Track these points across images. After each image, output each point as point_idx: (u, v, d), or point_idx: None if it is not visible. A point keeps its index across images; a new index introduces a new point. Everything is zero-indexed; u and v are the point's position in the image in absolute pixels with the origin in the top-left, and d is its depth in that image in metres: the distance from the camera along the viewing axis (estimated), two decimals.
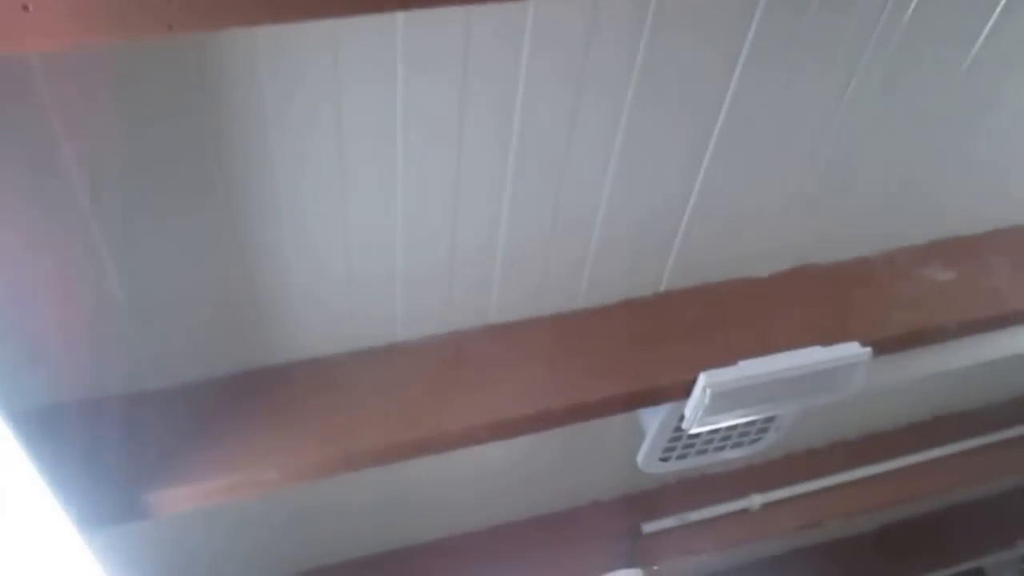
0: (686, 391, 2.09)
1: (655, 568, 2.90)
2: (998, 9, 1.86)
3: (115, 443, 1.86)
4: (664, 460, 2.40)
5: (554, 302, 2.11)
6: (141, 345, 1.83)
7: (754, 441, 2.43)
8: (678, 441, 2.32)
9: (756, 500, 3.02)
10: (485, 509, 2.90)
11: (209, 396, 1.94)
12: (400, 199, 1.72)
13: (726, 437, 2.38)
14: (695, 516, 2.97)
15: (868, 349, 2.11)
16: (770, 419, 2.36)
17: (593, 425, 2.52)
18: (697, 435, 2.32)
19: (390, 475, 2.48)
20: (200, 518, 2.38)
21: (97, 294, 1.68)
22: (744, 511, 3.03)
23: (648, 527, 2.94)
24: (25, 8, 1.02)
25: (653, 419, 2.23)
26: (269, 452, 1.91)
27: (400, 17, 1.42)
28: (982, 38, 1.90)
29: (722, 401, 2.05)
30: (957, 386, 3.24)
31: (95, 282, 1.66)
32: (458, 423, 1.96)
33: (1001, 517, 4.33)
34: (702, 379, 2.03)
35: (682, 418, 2.17)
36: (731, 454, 2.46)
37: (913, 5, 1.75)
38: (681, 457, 2.39)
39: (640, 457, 2.36)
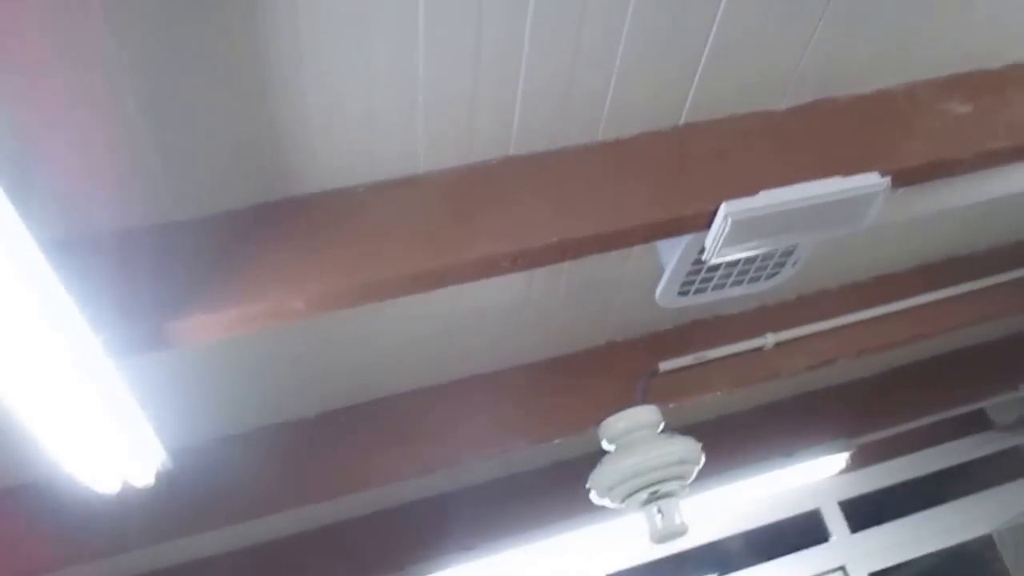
0: (707, 222, 2.09)
1: (671, 406, 2.94)
2: None
3: (142, 273, 1.87)
4: (682, 294, 2.42)
5: (574, 134, 2.09)
6: (165, 177, 1.82)
7: (771, 276, 2.44)
8: (696, 275, 2.34)
9: (770, 339, 3.06)
10: (501, 351, 2.94)
11: (232, 227, 1.94)
12: (422, 26, 1.69)
13: (743, 271, 2.39)
14: (711, 354, 3.00)
15: (887, 179, 2.10)
16: (787, 253, 2.37)
17: (609, 262, 2.56)
18: (715, 268, 2.33)
19: (407, 313, 2.53)
20: (222, 352, 2.42)
21: (120, 126, 1.67)
22: (758, 350, 3.07)
23: (665, 365, 2.99)
24: None
25: (673, 251, 2.23)
26: (293, 281, 1.92)
27: None
28: None
29: (743, 231, 2.05)
30: (968, 227, 3.24)
31: (118, 114, 1.65)
32: (480, 252, 1.97)
33: (1003, 361, 4.40)
34: (723, 208, 2.03)
35: (702, 250, 2.17)
36: (748, 289, 2.47)
37: None
38: (699, 291, 2.41)
39: (659, 291, 2.38)
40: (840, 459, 4.20)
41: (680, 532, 2.79)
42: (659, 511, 2.78)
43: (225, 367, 2.51)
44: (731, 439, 4.02)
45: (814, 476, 4.30)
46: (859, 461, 4.59)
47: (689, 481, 2.80)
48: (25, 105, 1.56)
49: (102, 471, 1.99)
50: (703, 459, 2.80)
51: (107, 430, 1.88)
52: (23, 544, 2.55)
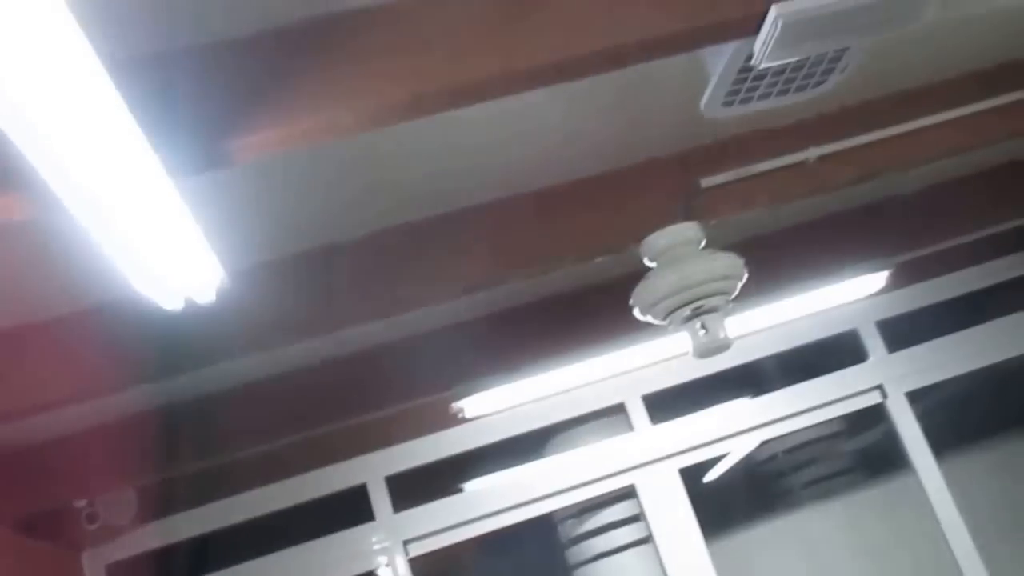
0: (756, 26, 2.06)
1: (712, 223, 2.97)
2: None
3: (195, 93, 1.90)
4: (727, 104, 2.41)
5: None
6: None
7: (819, 83, 2.43)
8: (743, 83, 2.33)
9: (812, 152, 3.06)
10: (543, 168, 2.96)
11: (281, 45, 1.97)
12: None
13: (791, 79, 2.38)
14: (753, 169, 3.01)
15: None
16: (836, 59, 2.34)
17: (653, 73, 2.53)
18: (762, 76, 2.31)
19: (447, 129, 2.54)
20: (269, 175, 2.47)
21: None
22: (800, 164, 3.07)
23: (706, 182, 3.00)
24: None
25: (719, 58, 2.22)
26: (341, 95, 1.95)
27: None
28: None
29: (793, 34, 2.03)
30: (1020, 31, 3.15)
31: None
32: (528, 62, 1.98)
33: None
34: (773, 10, 2.00)
35: (749, 57, 2.16)
36: (795, 97, 2.46)
37: None
38: (745, 101, 2.41)
39: (704, 101, 2.38)
40: (879, 278, 4.24)
41: (724, 346, 2.87)
42: (702, 326, 2.85)
43: (272, 188, 2.57)
44: (771, 258, 4.04)
45: (853, 295, 4.34)
46: (898, 281, 4.62)
47: (732, 296, 2.86)
48: None
49: (168, 288, 2.07)
50: (745, 275, 2.85)
51: (171, 248, 1.96)
52: (90, 363, 2.68)
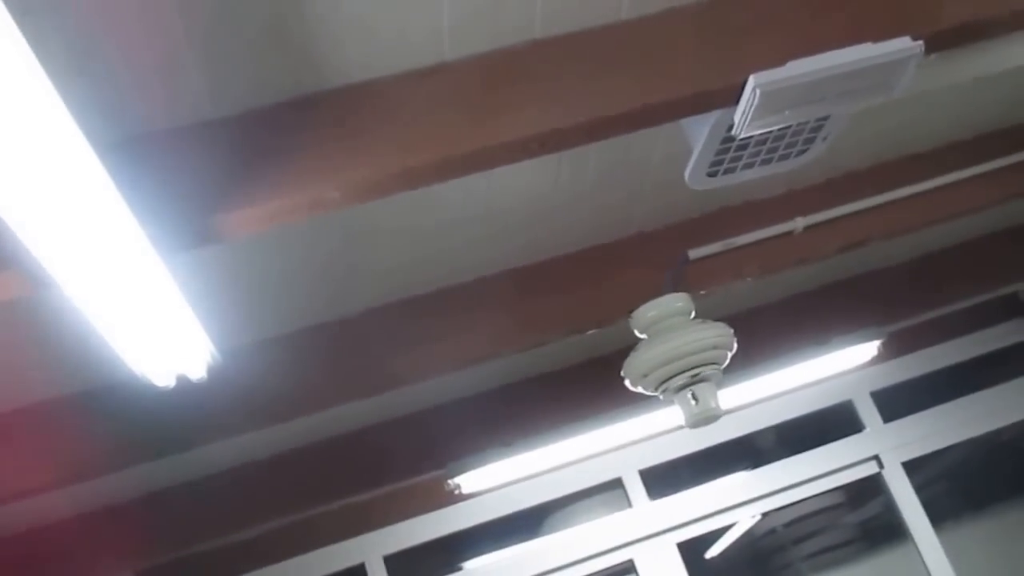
0: (735, 96, 2.08)
1: (701, 293, 2.96)
2: None
3: (184, 171, 1.91)
4: (711, 175, 2.42)
5: (598, 14, 2.08)
6: (201, 75, 1.84)
7: (801, 152, 2.43)
8: (726, 153, 2.33)
9: (799, 223, 3.07)
10: (532, 244, 2.97)
11: (267, 123, 1.98)
12: None
13: (773, 148, 2.38)
14: (740, 240, 3.01)
15: (919, 43, 2.07)
16: (817, 128, 2.36)
17: (637, 146, 2.55)
18: (744, 146, 2.32)
19: (437, 204, 2.56)
20: (262, 254, 2.47)
21: (159, 25, 1.69)
22: (788, 234, 3.08)
23: (694, 253, 3.00)
24: None
25: (701, 128, 2.23)
26: (328, 172, 1.95)
27: None
28: None
29: (772, 102, 2.05)
30: (1000, 101, 3.20)
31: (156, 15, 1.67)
32: (511, 135, 1.99)
33: None
34: (751, 80, 2.02)
35: (731, 127, 2.17)
36: (778, 167, 2.47)
37: None
38: (729, 171, 2.41)
39: (688, 171, 2.38)
40: (872, 347, 4.21)
41: (715, 416, 2.83)
42: (693, 396, 2.82)
43: (265, 269, 2.57)
44: (763, 331, 4.04)
45: (846, 366, 4.32)
46: (891, 351, 4.61)
47: (723, 366, 2.83)
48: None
49: (159, 365, 2.06)
50: (735, 345, 2.83)
51: (161, 325, 1.95)
52: (85, 445, 2.65)
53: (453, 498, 4.35)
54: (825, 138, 2.40)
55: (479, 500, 4.46)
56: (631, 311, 2.83)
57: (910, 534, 4.72)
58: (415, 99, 2.01)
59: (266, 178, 1.92)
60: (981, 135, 3.35)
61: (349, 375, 2.90)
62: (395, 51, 1.98)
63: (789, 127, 2.27)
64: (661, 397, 2.88)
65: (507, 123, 1.99)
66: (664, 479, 4.79)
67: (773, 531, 5.63)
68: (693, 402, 2.81)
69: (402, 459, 3.83)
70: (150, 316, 1.93)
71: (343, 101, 2.00)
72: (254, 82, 1.93)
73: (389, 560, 4.47)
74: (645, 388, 2.85)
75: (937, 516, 4.78)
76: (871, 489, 4.99)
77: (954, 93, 2.97)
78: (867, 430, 4.87)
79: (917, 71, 2.13)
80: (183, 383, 2.15)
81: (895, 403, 4.92)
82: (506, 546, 4.72)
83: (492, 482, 4.06)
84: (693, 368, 2.76)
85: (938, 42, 2.14)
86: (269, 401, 2.82)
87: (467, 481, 3.95)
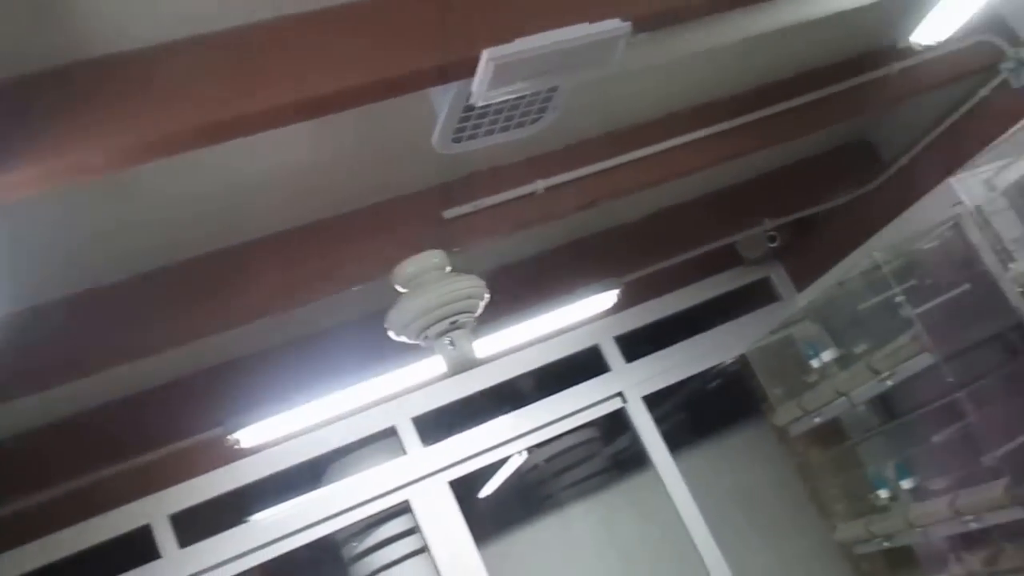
0: (472, 69, 2.20)
1: (456, 250, 3.10)
2: None
3: None
4: (456, 140, 2.54)
5: None
6: None
7: (536, 120, 2.60)
8: (468, 121, 2.46)
9: (540, 184, 3.26)
10: (293, 210, 3.01)
11: (29, 91, 1.93)
12: None
13: (510, 117, 2.53)
14: (489, 201, 3.17)
15: (628, 24, 2.26)
16: (548, 98, 2.52)
17: (392, 114, 2.65)
18: (484, 114, 2.46)
19: (202, 172, 2.56)
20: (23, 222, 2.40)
21: None
22: (531, 195, 3.26)
23: (448, 213, 3.13)
24: None
25: (444, 98, 2.35)
26: (89, 138, 1.94)
27: None
28: None
29: (504, 74, 2.19)
30: (718, 72, 3.48)
31: None
32: (267, 103, 2.03)
33: (748, 200, 4.80)
34: (485, 55, 2.15)
35: (470, 95, 2.30)
36: (516, 133, 2.62)
37: None
38: (472, 137, 2.54)
39: (435, 138, 2.50)
40: (612, 296, 4.50)
41: (472, 359, 3.00)
42: (451, 343, 2.97)
43: (23, 237, 2.48)
44: (518, 284, 4.27)
45: (590, 313, 4.59)
46: (631, 299, 4.94)
47: (476, 314, 2.99)
48: None
49: None
50: (487, 295, 2.99)
51: None
52: None
53: (235, 454, 4.33)
54: (556, 108, 2.57)
55: (261, 455, 4.46)
56: (392, 267, 2.94)
57: (651, 460, 5.11)
58: (174, 68, 2.02)
59: (28, 144, 1.88)
60: (698, 106, 3.64)
61: (116, 340, 2.85)
62: (154, 22, 1.99)
63: (523, 97, 2.42)
64: (423, 344, 3.01)
65: (263, 92, 2.04)
66: (438, 426, 4.95)
67: (536, 467, 5.93)
68: (451, 348, 2.97)
69: (182, 419, 3.79)
70: None
71: (103, 70, 1.99)
72: (12, 51, 1.88)
73: (176, 519, 4.40)
74: (408, 337, 2.97)
75: (674, 443, 5.19)
76: (622, 424, 5.33)
77: (674, 69, 3.22)
78: (612, 371, 5.20)
79: (629, 49, 2.33)
80: None
81: (635, 345, 5.28)
82: (290, 498, 4.75)
83: (272, 436, 4.08)
84: (450, 317, 2.90)
85: (645, 23, 2.34)
86: (33, 367, 2.73)
87: (247, 436, 3.94)
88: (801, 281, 5.45)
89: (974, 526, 3.80)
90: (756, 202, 4.78)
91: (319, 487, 4.73)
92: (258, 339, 3.83)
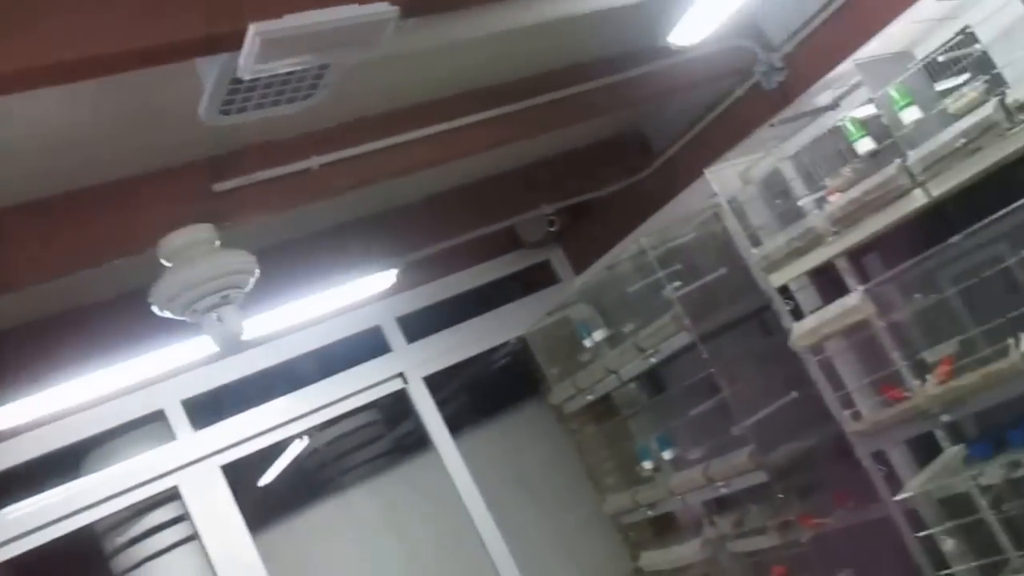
0: (240, 42, 2.22)
1: (227, 225, 3.08)
2: None
3: None
4: (224, 113, 2.54)
5: None
6: None
7: (307, 96, 2.62)
8: (236, 93, 2.47)
9: (315, 161, 3.29)
10: (53, 178, 2.91)
11: None
12: None
13: (280, 91, 2.55)
14: (262, 175, 3.17)
15: (396, 8, 2.34)
16: (319, 75, 2.56)
17: (160, 83, 2.61)
18: (253, 88, 2.47)
19: None
20: None
21: None
22: (306, 171, 3.29)
23: (218, 187, 3.11)
24: None
25: (211, 70, 2.35)
26: None
27: None
28: None
29: (272, 49, 2.22)
30: (488, 62, 3.62)
31: None
32: (19, 64, 1.97)
33: (527, 184, 5.01)
34: (252, 29, 2.18)
35: (237, 67, 2.31)
36: (287, 108, 2.64)
37: None
38: (241, 109, 2.54)
39: (201, 108, 2.48)
40: (391, 275, 4.59)
41: (239, 335, 3.00)
42: (219, 318, 2.96)
43: None
44: (296, 262, 4.27)
45: (368, 292, 4.67)
46: (413, 280, 5.04)
47: (245, 289, 2.99)
48: None
49: None
50: (257, 271, 2.99)
51: None
52: None
53: None
54: (327, 85, 2.61)
55: (10, 442, 4.22)
56: (158, 240, 2.89)
57: (432, 441, 5.24)
58: None
59: None
60: (474, 91, 3.76)
61: None
62: None
63: (292, 72, 2.45)
64: (189, 320, 2.98)
65: (16, 55, 1.98)
66: (211, 409, 4.87)
67: (316, 451, 5.94)
68: (219, 323, 2.96)
69: None
70: None
71: None
72: None
73: None
74: (173, 312, 2.94)
75: (457, 424, 5.36)
76: (407, 408, 5.42)
77: (454, 55, 3.31)
78: (393, 351, 5.28)
79: (399, 33, 2.41)
80: None
81: (417, 326, 5.38)
82: (44, 489, 4.51)
83: (24, 419, 3.90)
84: (218, 292, 2.89)
85: (414, 8, 2.43)
86: None
87: None
88: (580, 265, 5.74)
89: (724, 491, 4.17)
90: (535, 187, 4.98)
91: (78, 477, 4.53)
92: (9, 313, 3.65)
